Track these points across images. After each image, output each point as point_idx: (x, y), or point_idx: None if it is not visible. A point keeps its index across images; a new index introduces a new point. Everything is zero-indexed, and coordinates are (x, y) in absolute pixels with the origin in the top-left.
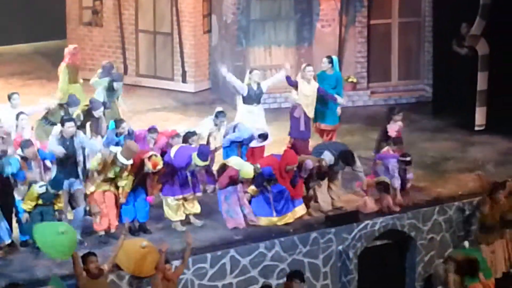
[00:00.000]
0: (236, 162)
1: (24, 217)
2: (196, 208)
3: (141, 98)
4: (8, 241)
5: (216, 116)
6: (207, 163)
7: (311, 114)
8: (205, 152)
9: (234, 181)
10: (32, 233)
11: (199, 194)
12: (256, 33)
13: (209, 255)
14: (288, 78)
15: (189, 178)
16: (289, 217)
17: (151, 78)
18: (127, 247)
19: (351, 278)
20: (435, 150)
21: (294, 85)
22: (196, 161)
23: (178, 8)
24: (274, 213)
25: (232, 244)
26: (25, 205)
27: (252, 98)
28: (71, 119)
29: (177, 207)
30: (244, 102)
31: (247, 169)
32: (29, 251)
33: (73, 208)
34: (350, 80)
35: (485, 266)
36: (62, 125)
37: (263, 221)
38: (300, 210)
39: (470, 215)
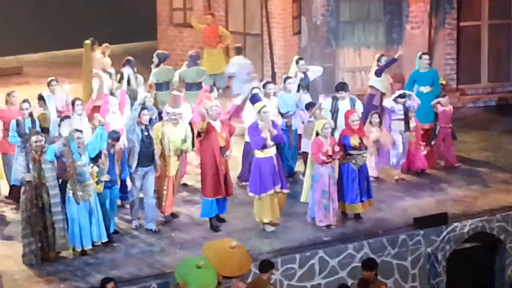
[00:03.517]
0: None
1: None
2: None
3: (228, 99)
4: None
5: (264, 86)
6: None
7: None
8: None
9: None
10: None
11: (285, 190)
12: (346, 35)
13: (298, 256)
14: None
15: (276, 168)
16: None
17: None
18: (217, 245)
19: (439, 281)
20: None
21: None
22: None
23: (268, 10)
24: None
25: (321, 245)
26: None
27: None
28: (146, 107)
29: (270, 205)
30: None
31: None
32: (119, 249)
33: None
34: (439, 82)
35: None
36: (138, 114)
37: (348, 208)
38: (359, 207)
39: None
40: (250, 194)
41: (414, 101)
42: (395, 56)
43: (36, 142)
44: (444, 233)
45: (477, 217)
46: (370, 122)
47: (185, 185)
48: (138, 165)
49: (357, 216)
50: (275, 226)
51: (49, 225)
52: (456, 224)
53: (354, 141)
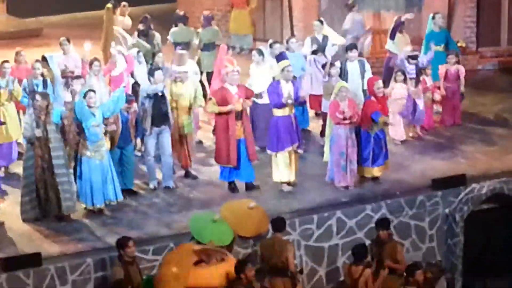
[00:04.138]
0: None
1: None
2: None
3: (251, 61)
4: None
5: (270, 46)
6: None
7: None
8: None
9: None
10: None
11: (300, 151)
12: None
13: (315, 216)
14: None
15: (294, 127)
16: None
17: (260, 42)
18: (235, 205)
19: (457, 241)
20: None
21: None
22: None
23: None
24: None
25: (339, 206)
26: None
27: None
28: (159, 68)
29: (288, 162)
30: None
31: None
32: (136, 210)
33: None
34: (459, 44)
35: None
36: (152, 74)
37: (365, 171)
38: (374, 170)
39: None
40: (268, 151)
41: (425, 61)
42: (402, 19)
43: (37, 101)
44: (462, 194)
45: (495, 178)
46: (395, 80)
47: (200, 142)
48: (152, 125)
49: (375, 178)
50: (292, 187)
51: (53, 186)
52: (474, 185)
53: (382, 120)
